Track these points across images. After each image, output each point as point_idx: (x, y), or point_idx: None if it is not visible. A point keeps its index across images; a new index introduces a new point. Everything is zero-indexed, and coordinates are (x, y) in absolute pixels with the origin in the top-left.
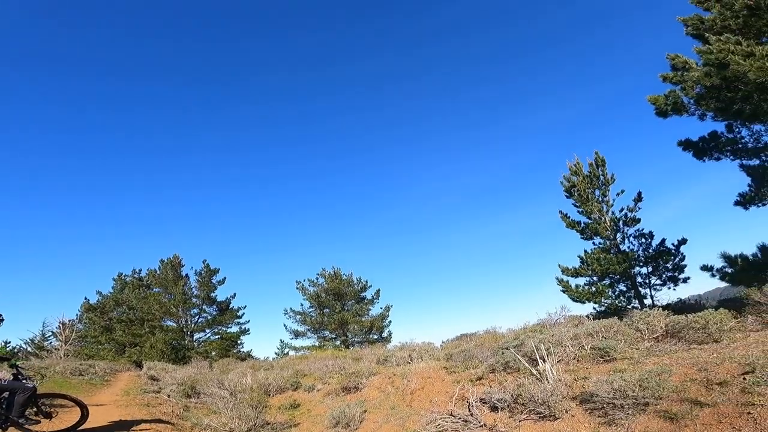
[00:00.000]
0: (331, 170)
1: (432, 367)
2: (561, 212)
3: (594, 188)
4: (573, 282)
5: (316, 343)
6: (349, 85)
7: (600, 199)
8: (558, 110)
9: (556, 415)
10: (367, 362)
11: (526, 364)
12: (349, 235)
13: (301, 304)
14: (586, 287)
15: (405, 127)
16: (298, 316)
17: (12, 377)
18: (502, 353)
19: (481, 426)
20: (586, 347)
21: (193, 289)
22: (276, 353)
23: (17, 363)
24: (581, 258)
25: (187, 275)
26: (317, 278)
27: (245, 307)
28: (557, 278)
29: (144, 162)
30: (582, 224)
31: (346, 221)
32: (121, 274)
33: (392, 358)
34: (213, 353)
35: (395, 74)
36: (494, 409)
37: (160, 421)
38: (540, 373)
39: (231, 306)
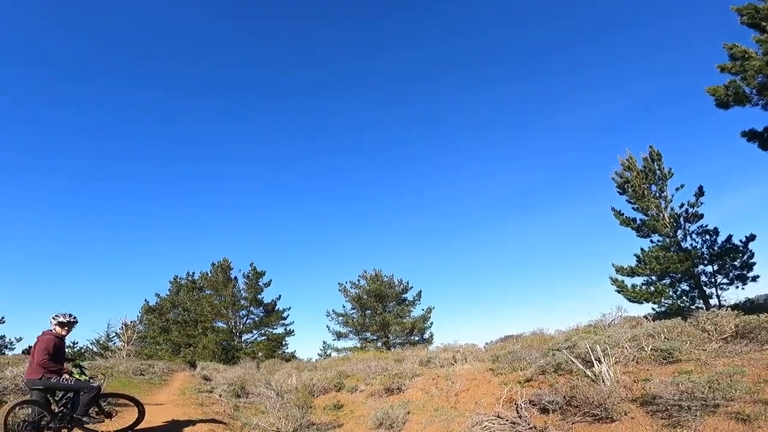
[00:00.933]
0: (371, 171)
1: (477, 369)
2: (614, 209)
3: (650, 183)
4: (629, 282)
5: (358, 345)
6: (385, 81)
7: (657, 194)
8: (602, 106)
9: (614, 418)
10: (409, 363)
11: (580, 366)
12: (390, 237)
13: (343, 306)
14: (644, 287)
15: (446, 124)
16: (341, 318)
17: (80, 377)
18: (553, 354)
19: (531, 428)
20: (646, 349)
21: (242, 291)
22: (319, 354)
23: (81, 363)
24: (638, 257)
25: (235, 278)
26: (359, 280)
27: (290, 308)
28: (611, 278)
29: (194, 169)
30: (638, 221)
31: (388, 222)
32: (177, 276)
33: (435, 360)
34: (260, 354)
35: (431, 69)
36: (544, 411)
37: (213, 420)
38: (595, 375)
39: (276, 308)
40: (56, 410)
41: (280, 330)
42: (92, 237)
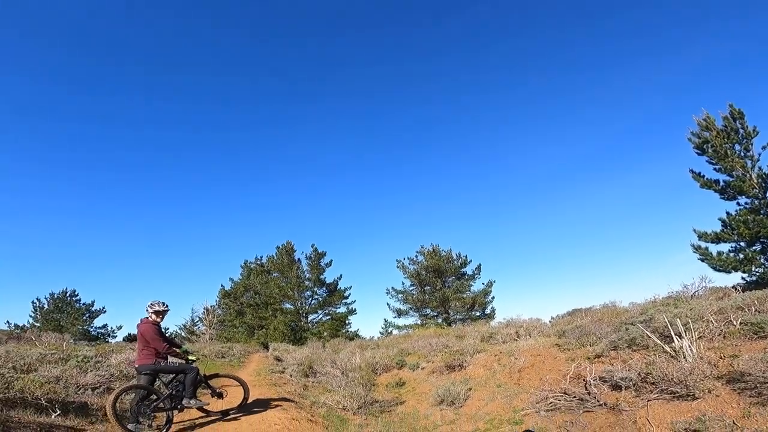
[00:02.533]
0: (426, 146)
1: (542, 345)
2: (692, 171)
3: (732, 143)
4: (714, 249)
5: (419, 322)
6: (439, 51)
7: (741, 154)
8: (668, 69)
9: (696, 395)
10: (471, 340)
11: (658, 341)
12: (448, 211)
13: (402, 283)
14: (732, 254)
15: (505, 92)
16: (400, 295)
17: (180, 360)
18: (627, 329)
19: (600, 405)
20: (734, 322)
21: (305, 273)
22: (380, 332)
23: (187, 348)
24: (723, 221)
25: (299, 260)
26: (416, 256)
27: (351, 287)
28: (693, 245)
29: (255, 153)
30: (721, 183)
31: (447, 196)
32: (247, 261)
33: (497, 336)
34: (325, 333)
35: (479, 37)
36: (616, 388)
37: (286, 399)
38: (675, 351)
39: (338, 287)
40: (166, 392)
41: (342, 309)
42: (172, 229)
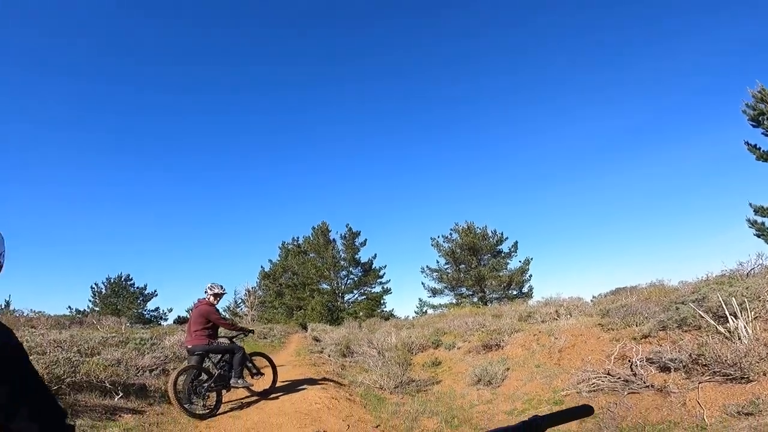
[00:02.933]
0: (459, 119)
1: (584, 324)
2: (748, 144)
3: None
4: None
5: (454, 301)
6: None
7: None
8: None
9: (750, 378)
10: (508, 319)
11: (711, 321)
12: (482, 188)
13: (437, 261)
14: None
15: (545, 61)
16: (435, 274)
17: (228, 340)
18: (677, 309)
19: (647, 386)
20: None
21: (341, 252)
22: (415, 312)
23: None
24: None
25: (334, 240)
26: (451, 233)
27: (386, 266)
28: (749, 220)
29: (289, 134)
30: None
31: (480, 173)
32: (285, 242)
33: (536, 315)
34: (360, 313)
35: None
36: (664, 369)
37: (325, 379)
38: (729, 332)
39: (373, 266)
40: (215, 372)
41: (377, 289)
42: (212, 213)
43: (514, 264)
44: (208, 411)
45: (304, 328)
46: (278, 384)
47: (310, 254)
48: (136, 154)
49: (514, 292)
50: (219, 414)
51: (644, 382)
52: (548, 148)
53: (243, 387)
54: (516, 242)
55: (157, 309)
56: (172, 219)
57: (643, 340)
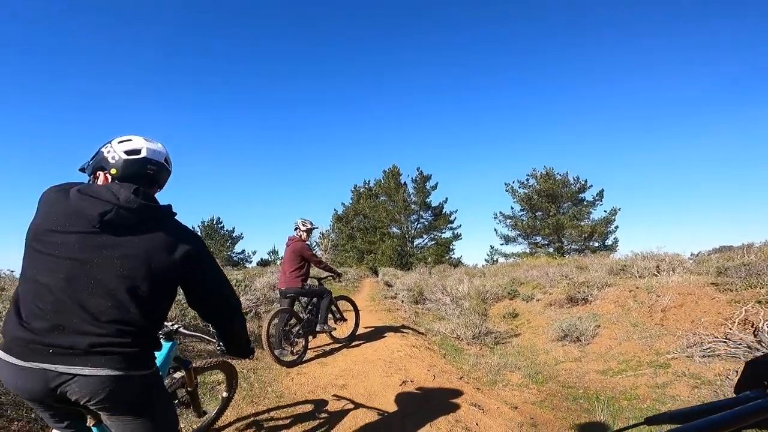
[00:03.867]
0: (544, 60)
1: (693, 282)
2: None
3: None
4: None
5: (527, 250)
6: None
7: None
8: None
9: None
10: (597, 272)
11: None
12: (566, 130)
13: (512, 208)
14: None
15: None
16: (509, 221)
17: (317, 283)
18: None
19: None
20: None
21: (411, 196)
22: (486, 260)
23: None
24: None
25: (405, 183)
26: (528, 179)
27: (456, 211)
28: None
29: (363, 76)
30: None
31: (564, 114)
32: (356, 185)
33: (632, 269)
34: (429, 259)
35: None
36: None
37: (403, 327)
38: None
39: (444, 211)
40: (304, 317)
41: (448, 234)
42: (287, 155)
43: (597, 214)
44: (296, 357)
45: (375, 272)
46: (363, 331)
47: (381, 197)
48: (220, 91)
49: (596, 244)
50: (305, 361)
51: None
52: (639, 95)
53: (328, 332)
54: (602, 190)
55: (243, 252)
56: (250, 163)
57: None
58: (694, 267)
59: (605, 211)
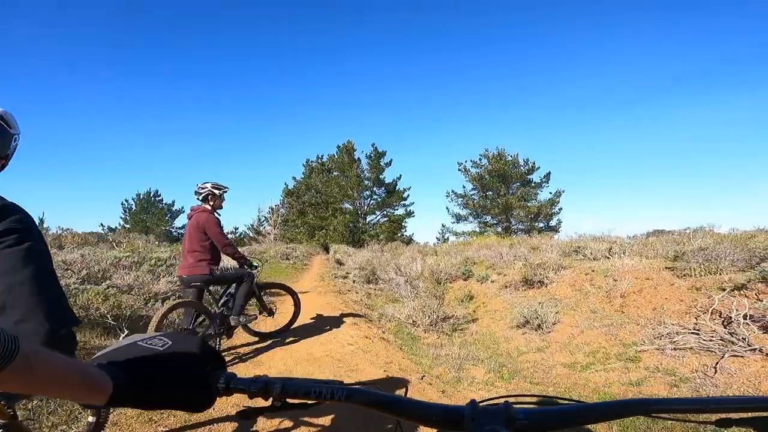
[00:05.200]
0: (497, 35)
1: (649, 267)
2: None
3: None
4: None
5: (477, 229)
6: None
7: None
8: None
9: None
10: (550, 253)
11: None
12: (516, 113)
13: (464, 187)
14: None
15: None
16: (460, 199)
17: (238, 265)
18: None
19: (753, 349)
20: None
21: (365, 172)
22: (437, 238)
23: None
24: None
25: (359, 159)
26: (480, 159)
27: (410, 188)
28: None
29: (311, 50)
30: None
31: (515, 96)
32: (309, 159)
33: (586, 250)
34: (382, 236)
35: None
36: None
37: (354, 314)
38: None
39: (397, 188)
40: (215, 311)
41: (400, 211)
42: (236, 129)
43: (544, 195)
44: None
45: (326, 249)
46: (307, 321)
47: (334, 173)
48: (165, 62)
49: (541, 225)
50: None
51: (749, 344)
52: (593, 75)
53: (243, 326)
54: (549, 173)
55: (183, 227)
56: (198, 134)
57: (736, 292)
58: (643, 250)
59: (551, 193)
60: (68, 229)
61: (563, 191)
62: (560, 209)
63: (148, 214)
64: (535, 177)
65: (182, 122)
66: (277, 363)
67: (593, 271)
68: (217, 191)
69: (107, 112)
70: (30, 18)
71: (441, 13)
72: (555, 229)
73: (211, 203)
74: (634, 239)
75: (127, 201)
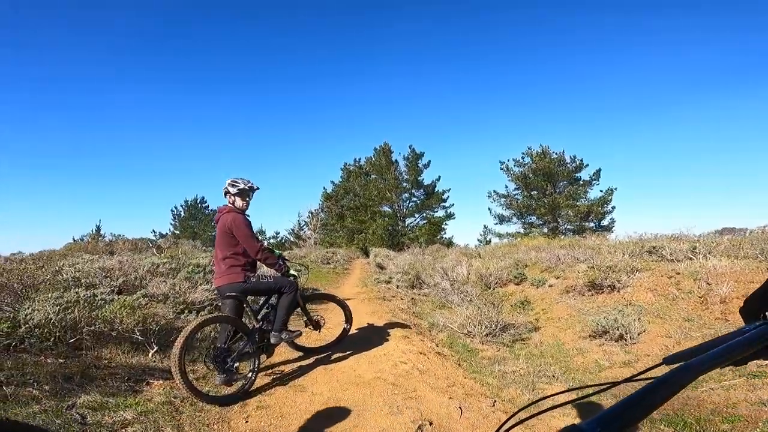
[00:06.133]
0: (538, 32)
1: (750, 268)
2: None
3: None
4: None
5: (521, 230)
6: None
7: None
8: None
9: None
10: (618, 254)
11: None
12: (562, 109)
13: (506, 186)
14: None
15: None
16: (503, 200)
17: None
18: None
19: None
20: None
21: (403, 174)
22: (479, 240)
23: (282, 254)
24: None
25: (396, 161)
26: (523, 157)
27: (449, 190)
28: None
29: (351, 50)
30: None
31: (562, 93)
32: (346, 163)
33: (662, 250)
34: (421, 239)
35: None
36: None
37: (402, 325)
38: None
39: (436, 189)
40: (254, 325)
41: (440, 213)
42: (275, 134)
43: (594, 194)
44: (238, 388)
45: (366, 252)
46: (354, 330)
47: (372, 175)
48: (204, 72)
49: (592, 225)
50: (258, 390)
51: None
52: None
53: (289, 342)
54: (599, 170)
55: None
56: (237, 142)
57: None
58: (730, 250)
59: (601, 191)
60: (120, 235)
61: (615, 189)
62: (613, 208)
63: (195, 220)
64: (584, 175)
65: (226, 130)
66: (321, 388)
67: (678, 273)
68: (243, 187)
69: (156, 123)
70: (101, 29)
71: (473, 10)
72: (608, 229)
73: (239, 201)
74: (707, 237)
75: (176, 208)
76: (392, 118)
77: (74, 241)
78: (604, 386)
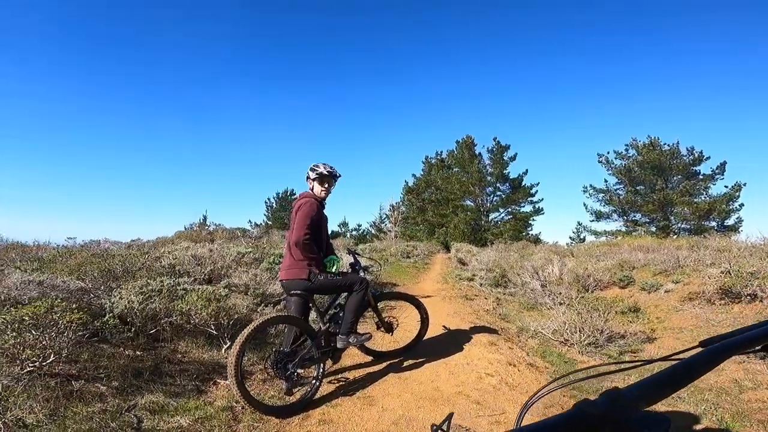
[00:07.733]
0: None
1: None
2: None
3: None
4: None
5: (623, 228)
6: None
7: None
8: None
9: None
10: (752, 257)
11: None
12: (672, 96)
13: (605, 181)
14: None
15: None
16: (601, 195)
17: (350, 269)
18: None
19: None
20: None
21: (487, 167)
22: (571, 238)
23: (355, 250)
24: None
25: (480, 154)
26: (626, 149)
27: (538, 184)
28: None
29: (434, 39)
30: None
31: (669, 77)
32: (428, 156)
33: None
34: (506, 235)
35: None
36: None
37: (490, 330)
38: None
39: (523, 183)
40: (320, 327)
41: (527, 208)
42: (357, 128)
43: (717, 189)
44: (301, 397)
45: (447, 247)
46: (429, 330)
47: (454, 169)
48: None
49: (713, 224)
50: (320, 401)
51: None
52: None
53: (357, 346)
54: (723, 162)
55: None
56: (324, 135)
57: None
58: None
59: (726, 187)
60: (220, 224)
61: (744, 184)
62: (741, 205)
63: (284, 211)
64: (704, 168)
65: (318, 126)
66: (393, 402)
67: None
68: (323, 171)
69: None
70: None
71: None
72: (734, 229)
73: (317, 187)
74: None
75: (269, 199)
76: (475, 112)
77: (184, 229)
78: (641, 363)
